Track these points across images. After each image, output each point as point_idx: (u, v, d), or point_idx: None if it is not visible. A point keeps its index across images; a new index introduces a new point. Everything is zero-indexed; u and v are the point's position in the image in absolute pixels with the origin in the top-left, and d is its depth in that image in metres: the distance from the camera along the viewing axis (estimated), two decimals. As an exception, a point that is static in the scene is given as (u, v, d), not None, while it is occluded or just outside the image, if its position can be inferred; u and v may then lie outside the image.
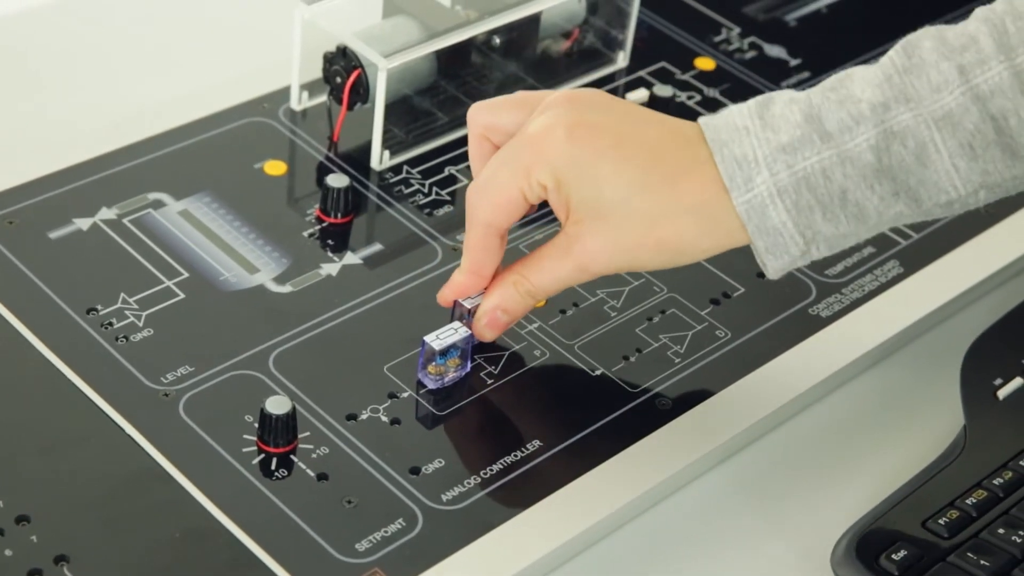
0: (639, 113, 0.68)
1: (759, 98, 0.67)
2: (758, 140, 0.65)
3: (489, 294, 0.70)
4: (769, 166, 0.64)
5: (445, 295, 0.71)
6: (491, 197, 0.67)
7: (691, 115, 0.87)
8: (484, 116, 0.70)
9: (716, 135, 0.66)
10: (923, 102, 0.64)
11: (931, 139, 0.64)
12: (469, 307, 0.70)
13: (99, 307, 0.72)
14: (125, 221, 0.77)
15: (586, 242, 0.66)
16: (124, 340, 0.70)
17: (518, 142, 0.67)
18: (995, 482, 0.67)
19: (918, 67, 0.65)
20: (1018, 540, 0.64)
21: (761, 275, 0.78)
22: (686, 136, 0.67)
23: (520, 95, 0.70)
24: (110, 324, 0.71)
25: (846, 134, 0.65)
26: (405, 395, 0.70)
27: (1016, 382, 0.72)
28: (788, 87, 0.90)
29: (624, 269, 0.69)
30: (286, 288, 0.74)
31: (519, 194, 0.67)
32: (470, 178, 0.82)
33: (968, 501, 0.66)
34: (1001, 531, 0.64)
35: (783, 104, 0.66)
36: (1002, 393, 0.72)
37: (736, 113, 0.66)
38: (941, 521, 0.65)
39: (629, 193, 0.65)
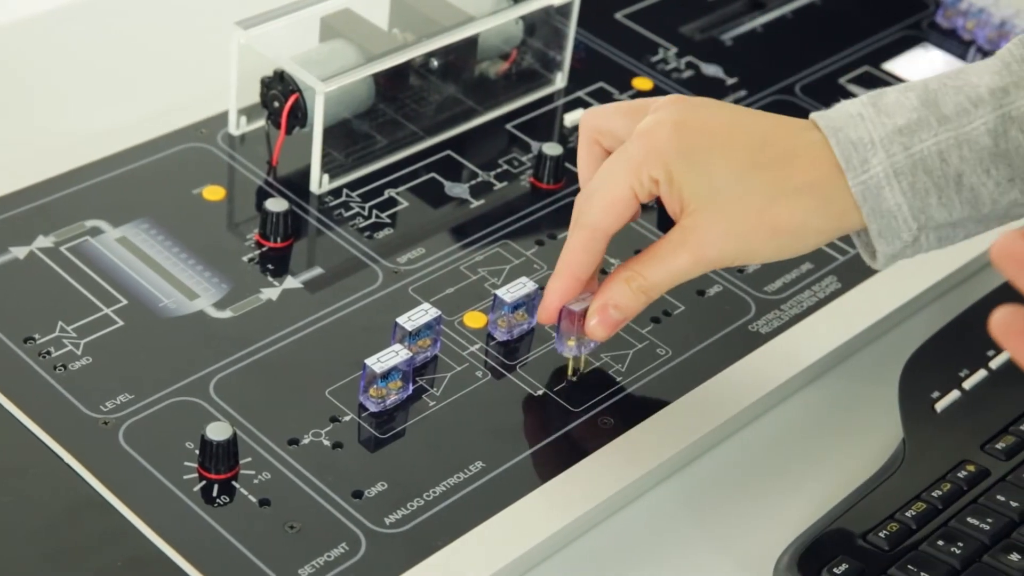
0: (749, 111, 0.69)
1: (871, 92, 0.67)
2: (873, 124, 0.65)
3: (601, 291, 0.68)
4: (885, 147, 0.65)
5: (545, 307, 0.69)
6: (600, 198, 0.67)
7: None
8: (596, 121, 0.70)
9: (830, 123, 0.66)
10: None
11: None
12: (579, 310, 0.69)
13: (36, 336, 0.71)
14: (62, 249, 0.76)
15: (701, 232, 0.66)
16: (62, 369, 0.70)
17: (627, 142, 0.67)
18: (934, 494, 0.67)
19: None
20: (957, 551, 0.64)
21: (701, 292, 0.78)
22: (797, 125, 0.67)
23: (633, 103, 0.70)
24: (48, 353, 0.71)
25: (964, 117, 0.65)
26: (347, 419, 0.69)
27: (953, 395, 0.73)
28: (725, 106, 0.91)
29: (739, 259, 0.67)
30: (226, 313, 0.74)
31: (630, 192, 0.67)
32: (409, 201, 0.82)
33: (908, 514, 0.67)
34: (940, 543, 0.65)
35: (897, 92, 0.67)
36: (940, 406, 0.72)
37: (848, 104, 0.67)
38: (881, 534, 0.66)
39: (740, 176, 0.65)
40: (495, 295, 0.73)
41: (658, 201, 0.68)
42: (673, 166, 0.66)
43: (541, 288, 0.76)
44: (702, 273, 0.68)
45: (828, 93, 0.93)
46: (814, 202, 0.66)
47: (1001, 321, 0.52)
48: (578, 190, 0.72)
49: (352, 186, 0.82)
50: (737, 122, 0.67)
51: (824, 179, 0.66)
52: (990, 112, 0.65)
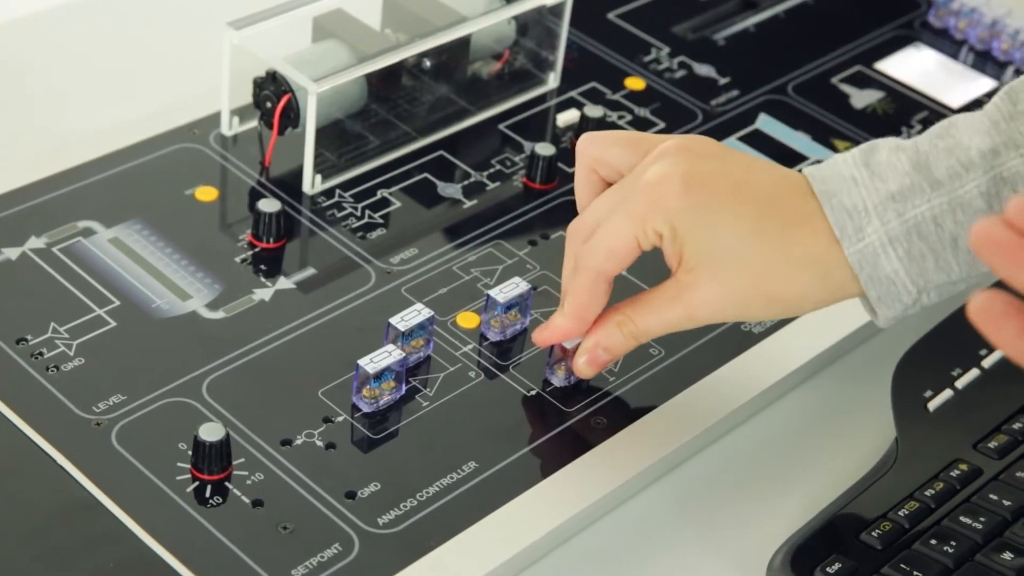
0: (751, 161, 0.69)
1: (863, 146, 0.67)
2: (867, 190, 0.65)
3: (592, 332, 0.69)
4: (880, 215, 0.65)
5: (545, 338, 0.70)
6: (605, 243, 0.67)
7: (622, 135, 0.88)
8: (595, 149, 0.70)
9: (824, 186, 0.66)
10: None
11: None
12: (570, 348, 0.70)
13: (29, 337, 0.71)
14: (55, 250, 0.76)
15: (697, 290, 0.66)
16: (55, 370, 0.70)
17: (633, 189, 0.67)
18: (927, 493, 0.68)
19: None
20: (950, 551, 0.64)
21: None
22: (797, 186, 0.67)
23: (633, 135, 0.70)
24: (40, 354, 0.70)
25: (956, 181, 0.65)
26: (340, 419, 0.69)
27: (946, 394, 0.73)
28: (718, 105, 0.91)
29: (732, 319, 0.69)
30: (219, 314, 0.74)
31: (633, 242, 0.67)
32: (402, 202, 0.82)
33: (901, 513, 0.67)
34: (933, 542, 0.65)
35: (889, 152, 0.67)
36: (932, 405, 0.73)
37: (842, 163, 0.67)
38: (875, 533, 0.66)
39: (744, 243, 0.66)
40: (488, 295, 0.73)
41: None
42: (678, 222, 0.66)
43: (534, 288, 0.76)
44: (694, 327, 0.68)
45: (820, 93, 0.93)
46: (813, 275, 0.66)
47: (979, 306, 0.52)
48: (570, 192, 0.72)
49: (345, 186, 0.82)
50: (744, 182, 0.67)
51: (824, 252, 0.66)
52: (982, 175, 0.65)
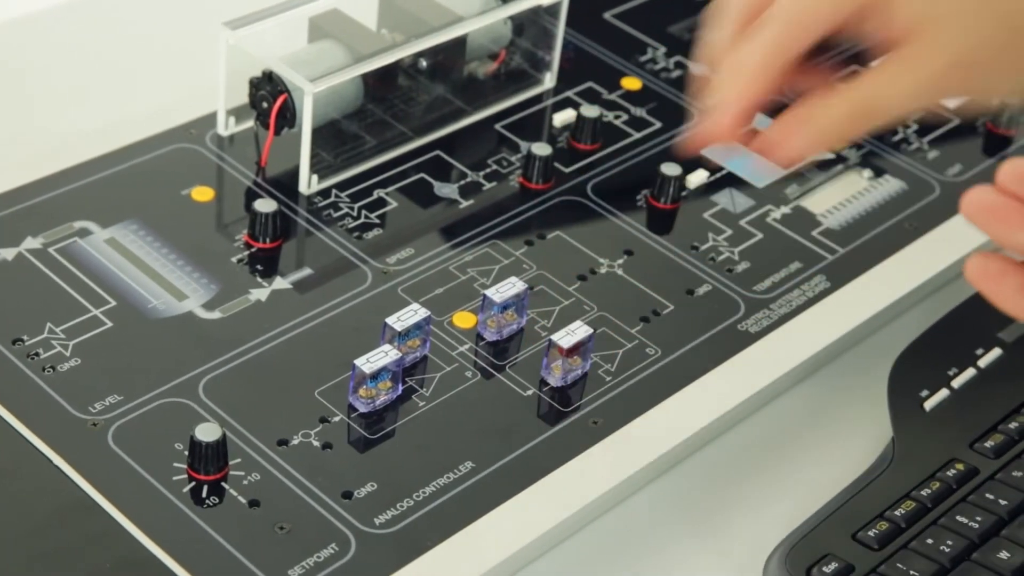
0: None
1: None
2: None
3: (806, 103, 0.59)
4: None
5: (701, 139, 0.60)
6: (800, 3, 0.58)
7: (619, 134, 0.88)
8: None
9: None
10: None
11: None
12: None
13: (25, 337, 0.71)
14: (51, 250, 0.76)
15: (936, 46, 0.57)
16: (51, 370, 0.70)
17: None
18: (923, 493, 0.68)
19: None
20: (946, 550, 0.64)
21: (690, 292, 0.78)
22: None
23: None
24: (36, 354, 0.70)
25: None
26: (336, 419, 0.69)
27: (942, 393, 0.73)
28: (714, 105, 0.91)
29: (972, 82, 0.59)
30: (215, 314, 0.74)
31: (831, 10, 0.59)
32: (398, 202, 0.82)
33: (897, 512, 0.67)
34: (930, 541, 0.65)
35: None
36: (929, 404, 0.73)
37: None
38: (871, 533, 0.66)
39: (970, 7, 0.58)
40: (484, 295, 0.73)
41: None
42: None
43: (530, 288, 0.76)
44: (925, 103, 0.60)
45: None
46: None
47: (976, 267, 0.52)
48: (567, 191, 0.72)
49: (341, 186, 0.82)
50: None
51: None
52: None
